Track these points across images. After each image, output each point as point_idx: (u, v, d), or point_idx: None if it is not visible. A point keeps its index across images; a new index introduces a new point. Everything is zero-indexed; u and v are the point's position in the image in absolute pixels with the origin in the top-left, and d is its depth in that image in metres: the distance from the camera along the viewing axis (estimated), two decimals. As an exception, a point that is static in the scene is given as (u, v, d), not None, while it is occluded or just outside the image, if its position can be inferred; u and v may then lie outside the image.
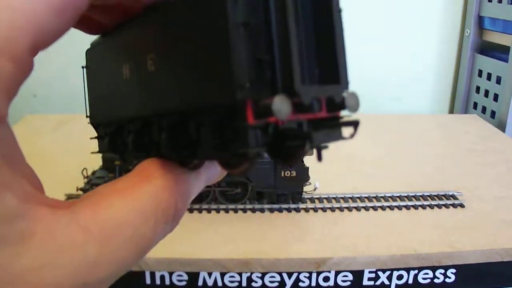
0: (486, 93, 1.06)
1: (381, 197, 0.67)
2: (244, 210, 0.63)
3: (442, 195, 0.68)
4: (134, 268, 0.53)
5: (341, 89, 0.18)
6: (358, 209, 0.64)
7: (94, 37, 0.25)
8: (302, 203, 0.64)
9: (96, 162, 0.66)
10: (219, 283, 0.55)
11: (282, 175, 0.62)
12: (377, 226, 0.60)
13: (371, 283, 0.56)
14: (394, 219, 0.63)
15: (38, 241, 0.16)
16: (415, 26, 1.13)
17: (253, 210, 0.63)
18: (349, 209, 0.64)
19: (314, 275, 0.56)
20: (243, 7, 0.16)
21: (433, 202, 0.66)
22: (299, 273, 0.55)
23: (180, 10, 0.18)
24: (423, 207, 0.65)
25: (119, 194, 0.18)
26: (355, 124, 0.18)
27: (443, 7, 1.12)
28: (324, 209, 0.64)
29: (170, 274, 0.55)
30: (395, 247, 0.56)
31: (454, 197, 0.67)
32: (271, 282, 0.56)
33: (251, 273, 0.55)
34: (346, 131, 0.18)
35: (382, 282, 0.56)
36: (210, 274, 0.55)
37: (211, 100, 0.17)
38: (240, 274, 0.55)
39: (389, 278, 0.56)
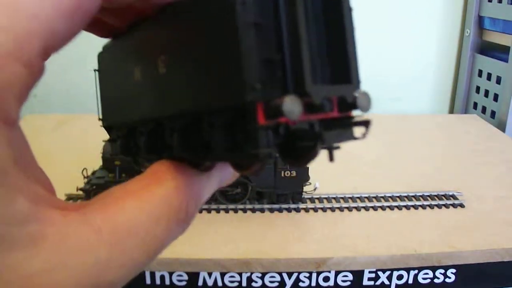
0: (486, 93, 1.06)
1: (381, 197, 0.67)
2: (244, 210, 0.63)
3: (442, 195, 0.68)
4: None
5: (352, 88, 0.18)
6: (358, 209, 0.64)
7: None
8: (302, 203, 0.64)
9: (96, 162, 0.66)
10: (219, 283, 0.55)
11: (282, 175, 0.62)
12: (377, 226, 0.60)
13: (371, 283, 0.56)
14: (394, 219, 0.63)
15: (49, 244, 0.16)
16: (415, 26, 1.13)
17: (253, 210, 0.63)
18: (349, 209, 0.64)
19: (314, 275, 0.56)
20: (253, 7, 0.16)
21: (433, 202, 0.66)
22: (299, 273, 0.55)
23: (190, 11, 0.18)
24: (423, 207, 0.65)
25: (131, 196, 0.18)
26: (366, 123, 0.18)
27: (443, 7, 1.12)
28: (324, 209, 0.64)
29: (170, 274, 0.55)
30: (395, 247, 0.56)
31: (454, 197, 0.67)
32: (271, 282, 0.56)
33: (251, 273, 0.55)
34: (358, 131, 0.18)
35: (382, 282, 0.56)
36: (210, 274, 0.55)
37: (222, 101, 0.17)
38: (240, 274, 0.55)
39: (389, 278, 0.56)
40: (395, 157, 0.83)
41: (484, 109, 1.08)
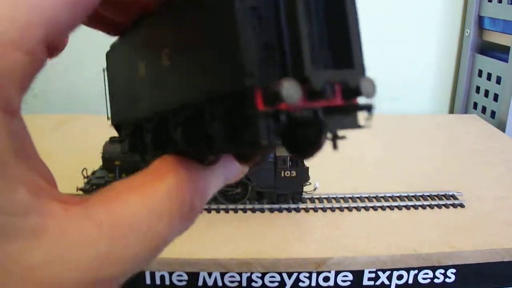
0: (486, 93, 1.06)
1: (381, 197, 0.67)
2: (244, 210, 0.63)
3: (442, 195, 0.68)
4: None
5: (355, 74, 0.17)
6: (358, 209, 0.64)
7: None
8: (302, 203, 0.64)
9: (96, 162, 0.66)
10: (219, 283, 0.55)
11: (282, 175, 0.62)
12: (377, 226, 0.60)
13: (371, 283, 0.56)
14: (394, 219, 0.63)
15: (50, 236, 0.16)
16: (415, 26, 1.13)
17: (253, 210, 0.63)
18: (349, 209, 0.64)
19: (314, 275, 0.56)
20: None
21: (433, 202, 0.66)
22: (299, 273, 0.55)
23: (190, 0, 0.18)
24: (423, 207, 0.65)
25: (133, 191, 0.18)
26: (369, 108, 0.17)
27: (443, 7, 1.12)
28: (324, 209, 0.64)
29: (170, 274, 0.55)
30: (395, 247, 0.56)
31: (454, 197, 0.67)
32: (271, 282, 0.56)
33: (251, 273, 0.55)
34: (362, 118, 0.17)
35: (382, 282, 0.56)
36: (210, 274, 0.55)
37: (221, 88, 0.17)
38: (240, 274, 0.55)
39: (389, 278, 0.56)
40: (395, 157, 0.83)
41: (484, 109, 1.07)
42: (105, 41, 0.26)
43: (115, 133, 0.28)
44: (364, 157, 0.81)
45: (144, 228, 0.18)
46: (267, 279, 0.56)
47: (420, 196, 0.67)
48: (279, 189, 0.63)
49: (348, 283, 0.56)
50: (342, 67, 0.17)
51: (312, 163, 0.61)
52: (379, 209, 0.65)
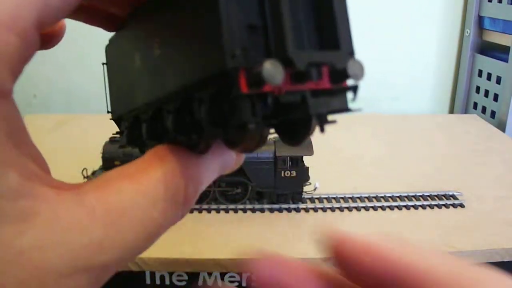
0: (486, 93, 1.06)
1: (381, 197, 0.67)
2: (244, 210, 0.63)
3: (442, 195, 0.68)
4: (134, 268, 0.53)
5: (342, 55, 0.17)
6: (358, 209, 0.64)
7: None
8: (302, 203, 0.64)
9: (96, 162, 0.66)
10: (219, 283, 0.55)
11: (282, 175, 0.62)
12: (377, 226, 0.60)
13: (371, 283, 0.56)
14: (394, 219, 0.63)
15: (41, 221, 0.15)
16: (415, 26, 1.13)
17: (253, 210, 0.63)
18: (349, 209, 0.64)
19: (314, 275, 0.55)
20: None
21: (433, 202, 0.66)
22: (299, 273, 0.55)
23: None
24: (423, 207, 0.65)
25: (127, 178, 0.18)
26: (354, 88, 0.17)
27: (443, 7, 1.12)
28: (324, 209, 0.64)
29: (170, 274, 0.55)
30: (395, 247, 0.56)
31: (454, 197, 0.67)
32: (271, 282, 0.56)
33: (251, 273, 0.55)
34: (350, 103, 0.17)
35: (382, 282, 0.56)
36: (210, 274, 0.55)
37: (206, 72, 0.17)
38: (240, 274, 0.55)
39: (389, 278, 0.56)
40: (395, 157, 0.83)
41: (484, 109, 1.07)
42: (105, 40, 0.26)
43: (115, 132, 0.28)
44: (364, 157, 0.81)
45: (138, 215, 0.17)
46: (267, 279, 0.55)
47: (420, 196, 0.67)
48: (279, 189, 0.63)
49: (348, 283, 0.56)
50: (328, 48, 0.17)
51: (312, 163, 0.61)
52: (379, 209, 0.64)
